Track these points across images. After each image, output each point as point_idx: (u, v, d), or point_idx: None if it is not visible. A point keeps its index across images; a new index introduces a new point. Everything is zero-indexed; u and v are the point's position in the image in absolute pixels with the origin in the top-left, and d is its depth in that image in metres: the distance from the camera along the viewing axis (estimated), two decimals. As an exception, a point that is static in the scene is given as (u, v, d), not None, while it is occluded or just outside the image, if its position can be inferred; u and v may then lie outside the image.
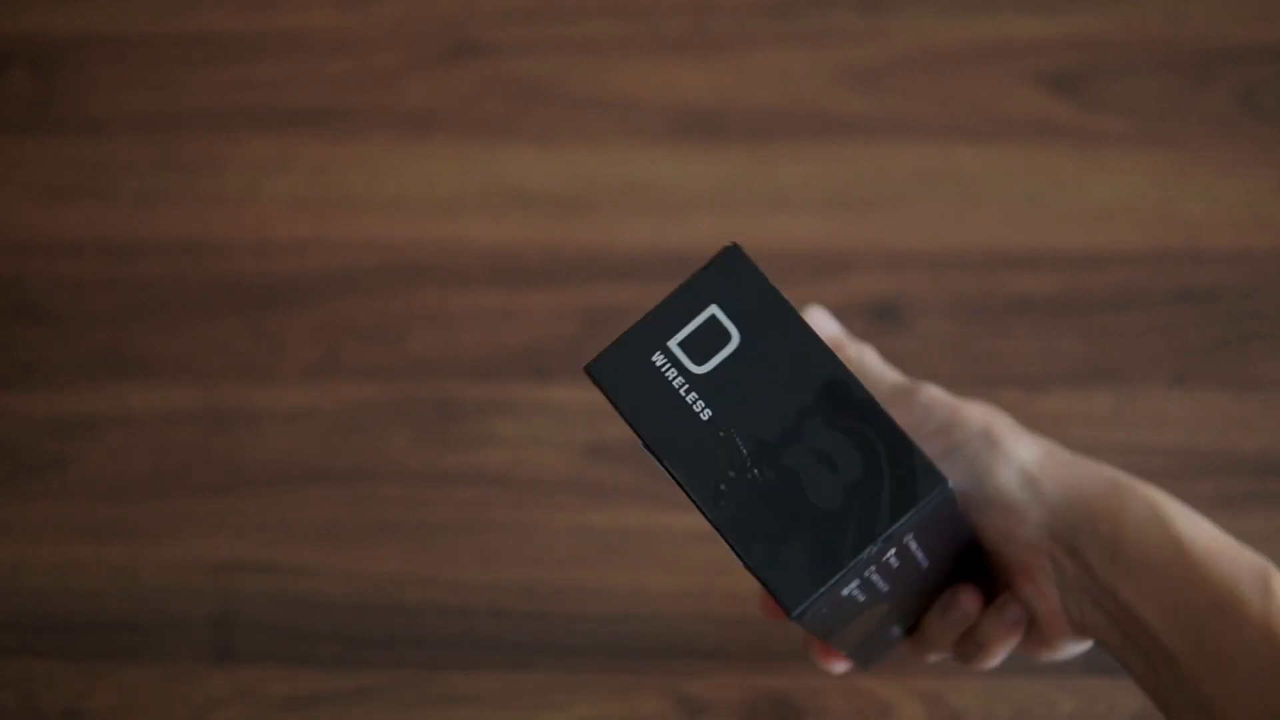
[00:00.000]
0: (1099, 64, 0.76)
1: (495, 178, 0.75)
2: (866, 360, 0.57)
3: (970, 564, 0.55)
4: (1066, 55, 0.77)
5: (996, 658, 0.57)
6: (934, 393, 0.55)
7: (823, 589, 0.42)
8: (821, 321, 0.60)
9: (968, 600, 0.56)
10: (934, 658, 0.60)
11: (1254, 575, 0.48)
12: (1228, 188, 0.74)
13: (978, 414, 0.54)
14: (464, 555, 0.69)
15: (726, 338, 0.44)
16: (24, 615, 0.68)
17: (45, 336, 0.73)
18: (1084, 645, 0.55)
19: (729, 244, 0.45)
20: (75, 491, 0.70)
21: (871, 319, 0.72)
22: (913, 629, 0.59)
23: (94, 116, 0.77)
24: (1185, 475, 0.69)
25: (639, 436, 0.43)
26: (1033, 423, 0.70)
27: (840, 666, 0.60)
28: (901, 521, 0.42)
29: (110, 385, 0.72)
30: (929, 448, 0.53)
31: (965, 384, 0.71)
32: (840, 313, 0.72)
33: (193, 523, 0.69)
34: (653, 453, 0.43)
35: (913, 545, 0.45)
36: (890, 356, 0.72)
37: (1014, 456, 0.52)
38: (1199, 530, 0.50)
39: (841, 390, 0.43)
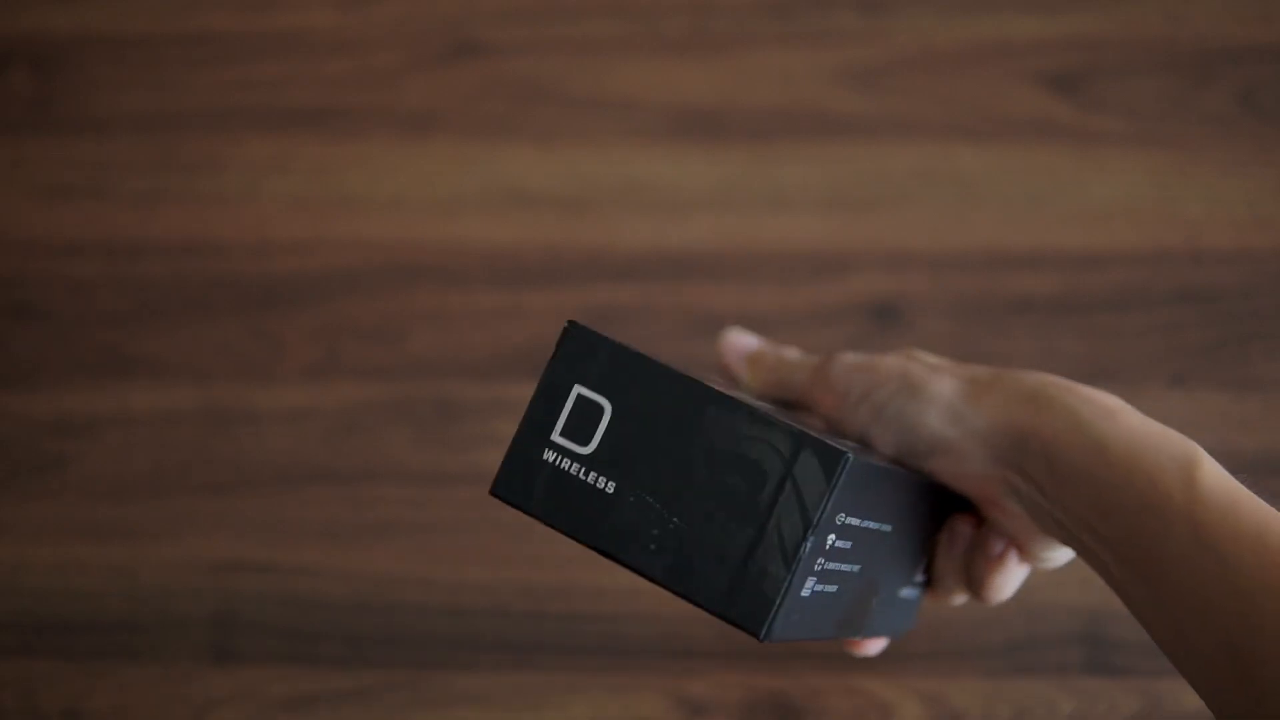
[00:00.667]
0: (1099, 64, 0.76)
1: (495, 178, 0.75)
2: (786, 358, 0.58)
3: (946, 498, 0.55)
4: (1066, 55, 0.77)
5: (1000, 589, 0.57)
6: (848, 360, 0.55)
7: (777, 603, 0.42)
8: (739, 340, 0.60)
9: (962, 524, 0.56)
10: (957, 599, 0.59)
11: (1176, 466, 0.47)
12: (1228, 188, 0.74)
13: (893, 365, 0.54)
14: (464, 555, 0.69)
15: (600, 409, 0.44)
16: (24, 615, 0.68)
17: (45, 336, 0.73)
18: (1068, 550, 0.55)
19: (567, 323, 0.45)
20: (75, 491, 0.70)
21: (871, 319, 0.72)
22: (929, 577, 0.59)
23: (94, 116, 0.77)
24: (1185, 475, 0.69)
25: (562, 532, 0.44)
26: (1033, 423, 0.70)
27: (874, 648, 0.60)
28: (820, 510, 0.42)
29: (110, 385, 0.72)
30: (858, 417, 0.53)
31: (965, 384, 0.71)
32: (840, 313, 0.72)
33: (193, 523, 0.69)
34: (580, 541, 0.44)
35: (855, 521, 0.45)
36: (890, 356, 0.72)
37: (935, 397, 0.52)
38: (1120, 428, 0.49)
39: (719, 409, 0.43)
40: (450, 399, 0.71)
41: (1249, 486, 0.70)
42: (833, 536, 0.44)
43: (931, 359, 0.55)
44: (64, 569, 0.69)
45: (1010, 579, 0.57)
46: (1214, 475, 0.48)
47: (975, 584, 0.57)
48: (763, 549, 0.42)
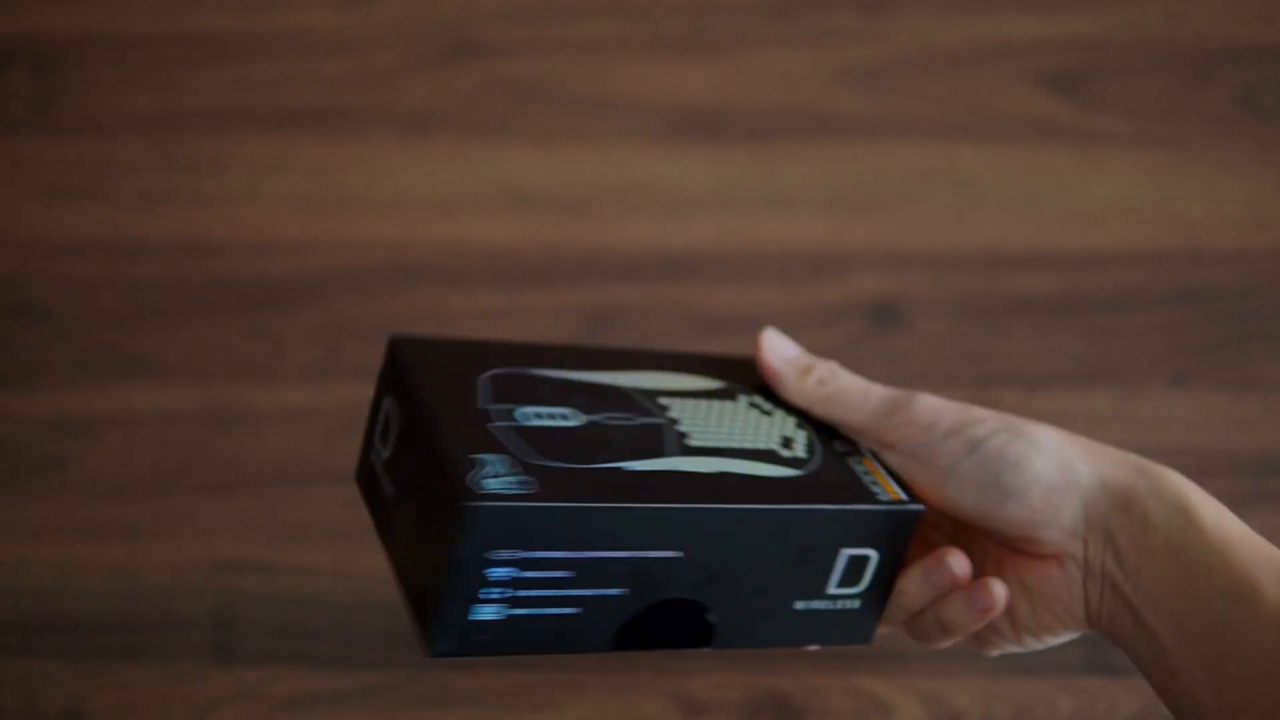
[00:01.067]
0: (1099, 64, 0.76)
1: (495, 178, 0.75)
2: (840, 379, 0.57)
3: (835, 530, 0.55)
4: (1066, 55, 0.77)
5: (949, 642, 0.56)
6: (932, 400, 0.55)
7: (434, 626, 0.47)
8: (780, 344, 0.59)
9: (955, 559, 0.55)
10: (886, 627, 0.58)
11: (1271, 564, 0.49)
12: (1227, 188, 0.74)
13: (985, 412, 0.54)
14: (464, 555, 0.69)
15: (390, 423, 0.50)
16: (25, 615, 0.68)
17: (45, 336, 0.73)
18: (1069, 638, 0.55)
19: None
20: (76, 491, 0.70)
21: (871, 319, 0.72)
22: (875, 597, 0.58)
23: (95, 116, 0.77)
24: (1185, 474, 0.69)
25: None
26: (1033, 423, 0.70)
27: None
28: (453, 554, 0.46)
29: (111, 385, 0.72)
30: (947, 449, 0.53)
31: (965, 384, 0.71)
32: (840, 313, 0.72)
33: (193, 523, 0.70)
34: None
35: (553, 555, 0.48)
36: (890, 356, 0.72)
37: (1043, 441, 0.53)
38: (1220, 517, 0.51)
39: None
40: (450, 399, 0.71)
41: (1249, 486, 0.70)
42: (506, 571, 0.48)
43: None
44: (64, 569, 0.69)
45: (962, 637, 0.57)
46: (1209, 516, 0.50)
47: (935, 628, 0.56)
48: (435, 584, 0.48)
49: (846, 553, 0.55)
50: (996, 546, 0.55)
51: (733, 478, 0.53)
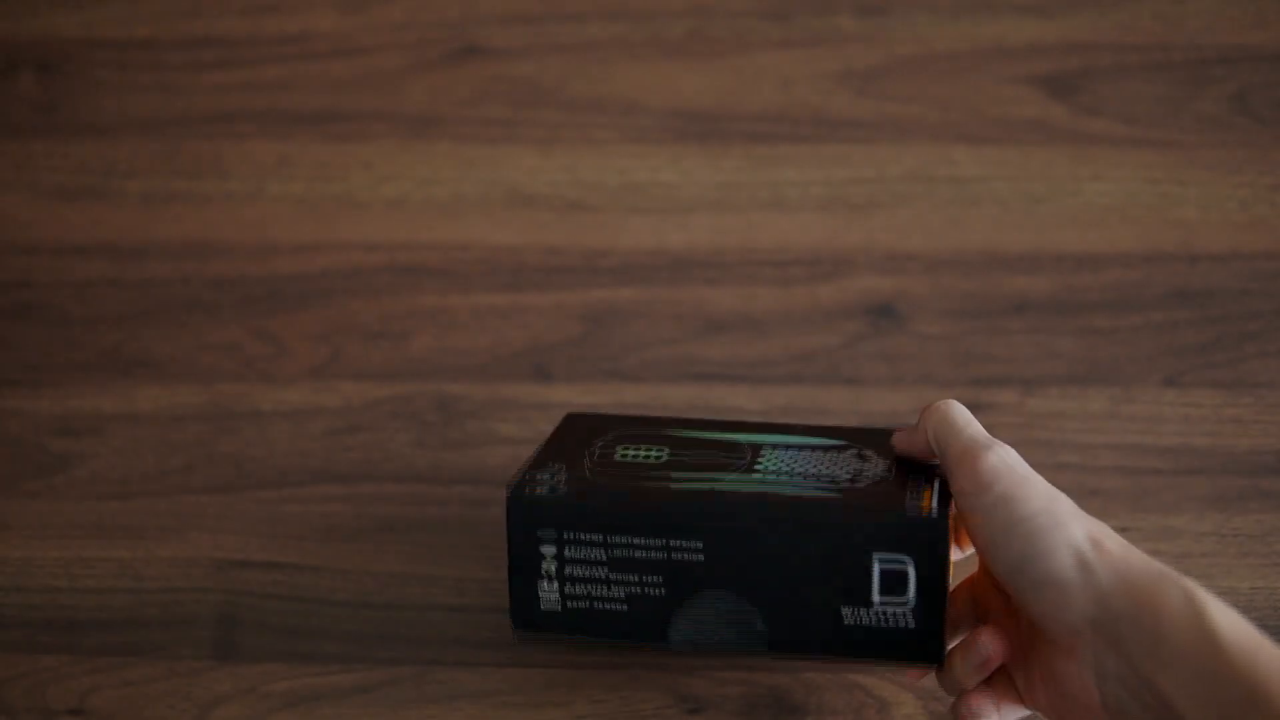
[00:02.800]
0: (1094, 68, 0.77)
1: (496, 180, 0.76)
2: (953, 411, 0.58)
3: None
4: (1062, 59, 0.77)
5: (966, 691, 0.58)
6: (1007, 459, 0.55)
7: (514, 609, 0.59)
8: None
9: (988, 643, 0.56)
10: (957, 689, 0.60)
11: None
12: (1222, 189, 0.75)
13: (1043, 490, 0.54)
14: (465, 553, 0.69)
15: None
16: (31, 612, 0.68)
17: (51, 337, 0.73)
18: None
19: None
20: (81, 490, 0.70)
21: (870, 320, 0.73)
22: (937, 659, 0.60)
23: (99, 119, 0.77)
24: (1180, 474, 0.70)
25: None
26: (1029, 422, 0.71)
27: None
28: (514, 540, 0.59)
29: (116, 385, 0.72)
30: (991, 515, 0.54)
31: (963, 384, 0.72)
32: (839, 313, 0.73)
33: (197, 521, 0.70)
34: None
35: (595, 538, 0.57)
36: (888, 357, 0.72)
37: (1073, 540, 0.53)
38: (1234, 626, 0.51)
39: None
40: (452, 399, 0.72)
41: (1242, 485, 0.70)
42: (552, 550, 0.58)
43: (1073, 503, 0.56)
44: (69, 567, 0.69)
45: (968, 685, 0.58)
46: (1227, 626, 0.50)
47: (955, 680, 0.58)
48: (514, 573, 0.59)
49: (878, 561, 0.56)
50: (1029, 624, 0.56)
51: (770, 494, 0.57)
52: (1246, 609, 0.67)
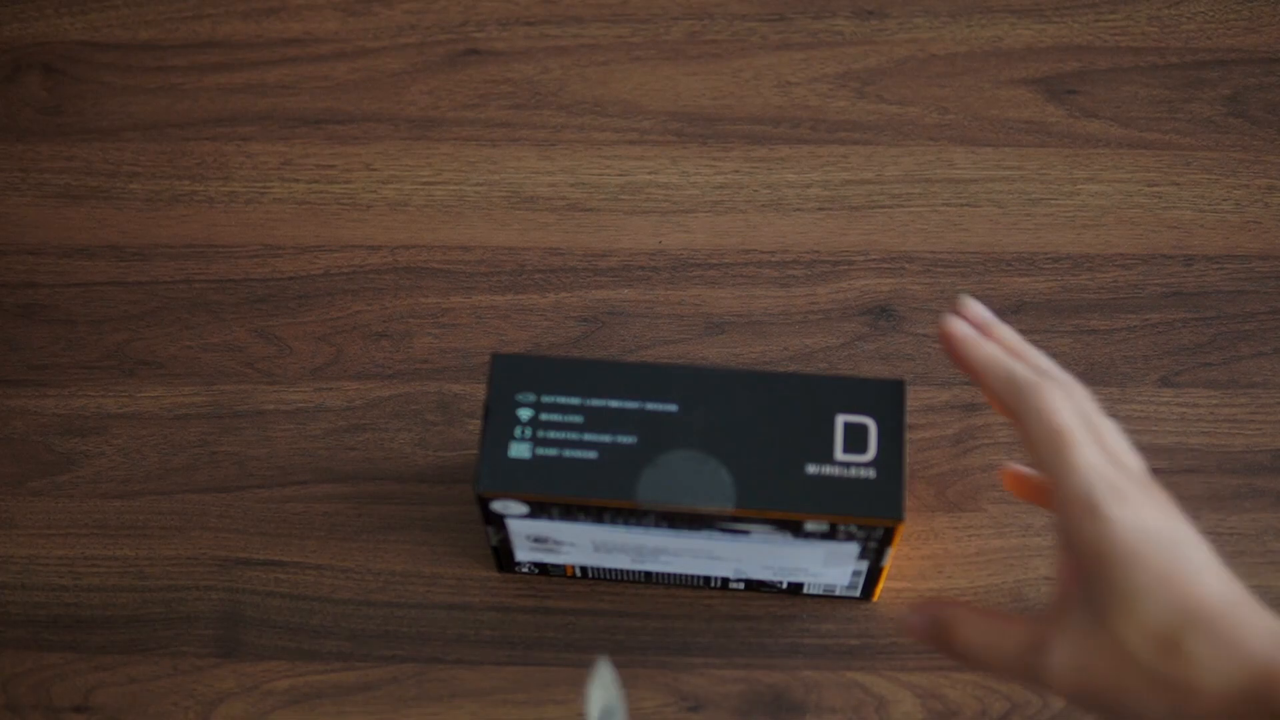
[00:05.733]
0: (1091, 70, 0.77)
1: (497, 181, 0.76)
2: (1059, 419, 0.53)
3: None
4: (1059, 61, 0.78)
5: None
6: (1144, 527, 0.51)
7: (487, 468, 0.60)
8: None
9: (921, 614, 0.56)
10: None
11: None
12: (1217, 191, 0.75)
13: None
14: (467, 552, 0.70)
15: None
16: (36, 610, 0.69)
17: (56, 337, 0.73)
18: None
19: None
20: (85, 489, 0.71)
21: (868, 320, 0.73)
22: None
23: (104, 122, 0.77)
24: (1176, 473, 0.70)
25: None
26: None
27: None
28: (490, 395, 0.61)
29: (120, 385, 0.73)
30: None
31: (961, 385, 0.72)
32: (838, 314, 0.73)
33: (200, 520, 0.70)
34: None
35: (568, 400, 0.60)
36: (887, 358, 0.72)
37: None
38: None
39: None
40: (453, 399, 0.72)
41: (1237, 485, 0.71)
42: (528, 412, 0.60)
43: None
44: (74, 565, 0.70)
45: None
46: None
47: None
48: (481, 433, 0.60)
49: (842, 419, 0.60)
50: None
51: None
52: (1241, 607, 0.68)
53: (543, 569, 0.67)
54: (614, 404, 0.60)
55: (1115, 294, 0.73)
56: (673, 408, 0.60)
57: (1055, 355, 0.72)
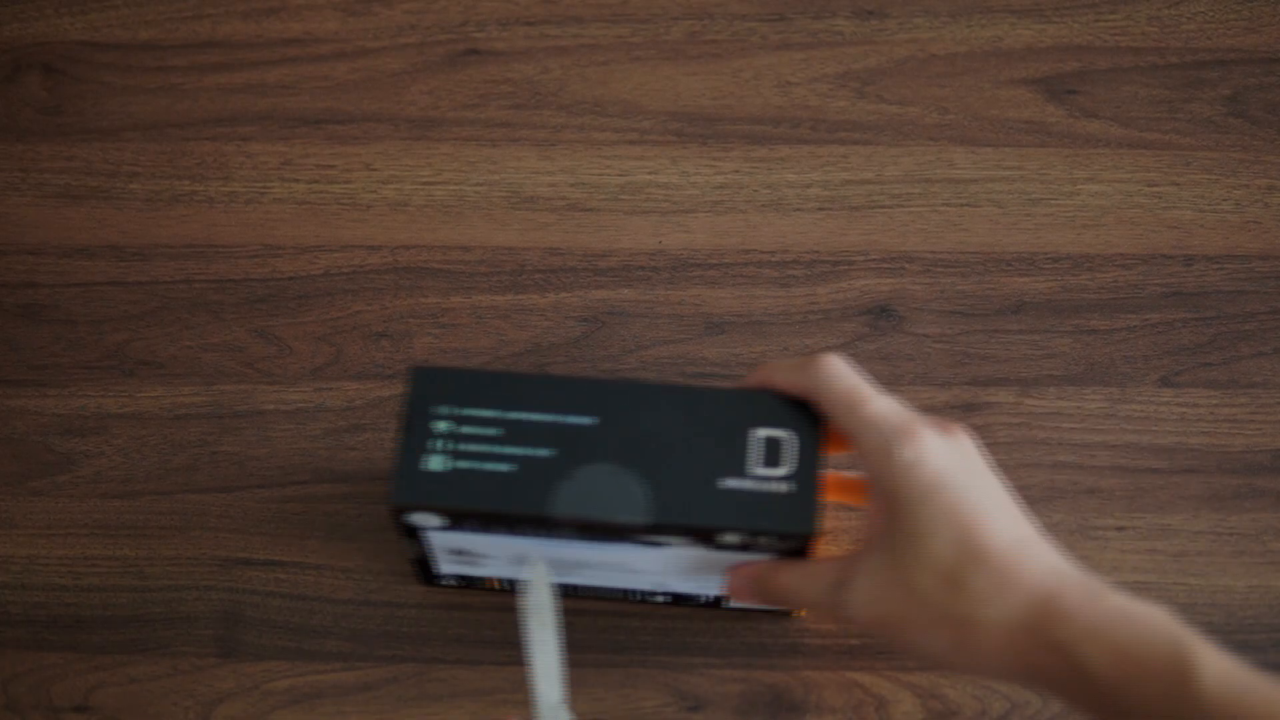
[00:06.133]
0: (1091, 70, 0.77)
1: (497, 181, 0.76)
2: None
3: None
4: (1059, 61, 0.78)
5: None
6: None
7: (402, 481, 0.60)
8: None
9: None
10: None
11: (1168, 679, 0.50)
12: (1217, 191, 0.75)
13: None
14: (467, 552, 0.70)
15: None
16: (36, 610, 0.69)
17: (56, 337, 0.74)
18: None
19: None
20: (85, 489, 0.71)
21: (868, 320, 0.73)
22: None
23: (104, 122, 0.77)
24: (1176, 473, 0.70)
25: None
26: (1027, 422, 0.71)
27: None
28: (407, 407, 0.61)
29: (120, 385, 0.73)
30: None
31: (961, 384, 0.72)
32: (838, 314, 0.73)
33: (200, 520, 0.70)
34: None
35: (487, 413, 0.60)
36: (887, 358, 0.73)
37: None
38: (1101, 654, 0.52)
39: None
40: (453, 399, 0.72)
41: (1237, 484, 0.71)
42: (445, 424, 0.60)
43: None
44: (74, 565, 0.70)
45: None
46: (1212, 677, 0.49)
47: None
48: (397, 445, 0.60)
49: (759, 433, 0.60)
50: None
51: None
52: (1242, 608, 0.68)
53: (466, 582, 0.67)
54: (532, 417, 0.60)
55: (1115, 294, 0.73)
56: (591, 421, 0.60)
57: (1055, 355, 0.72)
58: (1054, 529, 0.69)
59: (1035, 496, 0.70)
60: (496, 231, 0.75)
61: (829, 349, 0.72)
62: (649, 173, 0.76)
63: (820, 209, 0.75)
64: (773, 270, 0.74)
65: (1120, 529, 0.69)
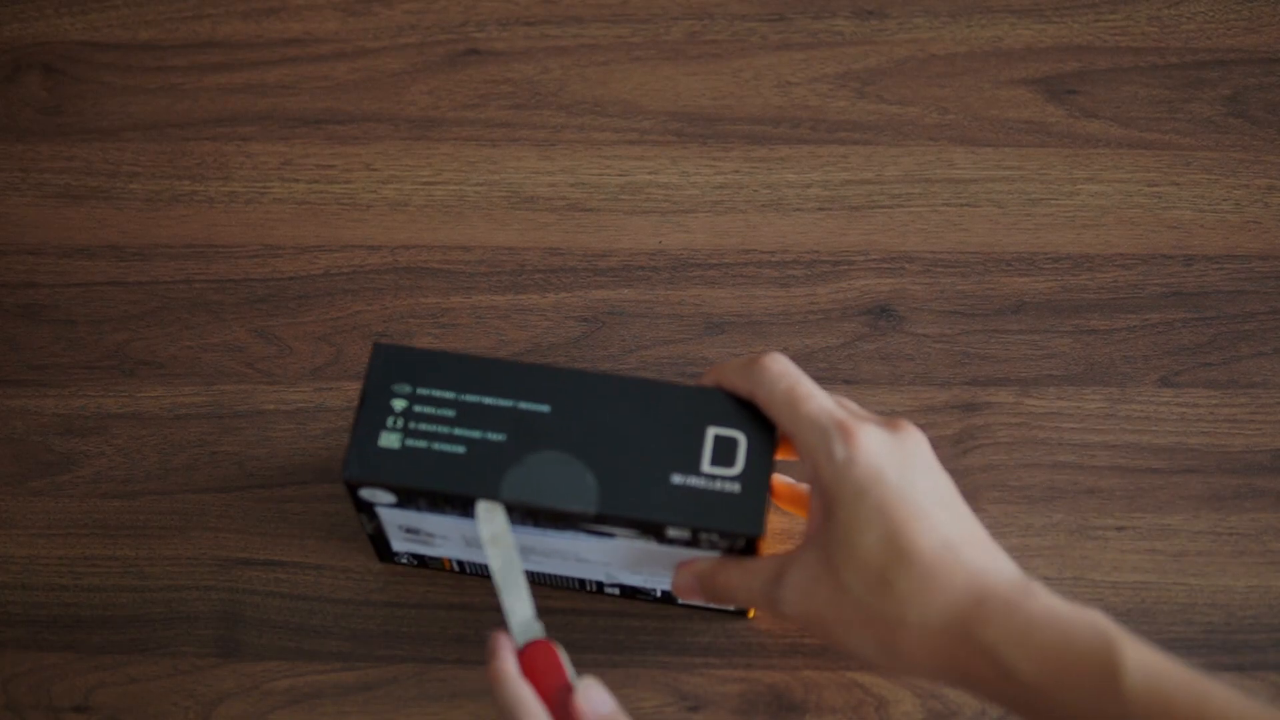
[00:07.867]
0: (1091, 70, 0.77)
1: (497, 181, 0.76)
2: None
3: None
4: (1059, 61, 0.78)
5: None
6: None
7: (356, 456, 0.60)
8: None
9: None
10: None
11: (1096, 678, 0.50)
12: (1217, 191, 0.75)
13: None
14: (467, 552, 0.70)
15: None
16: (36, 610, 0.69)
17: (56, 337, 0.74)
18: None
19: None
20: (85, 489, 0.71)
21: (868, 320, 0.73)
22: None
23: (104, 122, 0.78)
24: (1176, 473, 0.70)
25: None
26: (1027, 422, 0.71)
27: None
28: (366, 384, 0.62)
29: (120, 385, 0.73)
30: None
31: (961, 384, 0.72)
32: (838, 314, 0.73)
33: (200, 520, 0.70)
34: None
35: (443, 394, 0.61)
36: (887, 357, 0.73)
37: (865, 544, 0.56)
38: (1030, 659, 0.52)
39: None
40: (453, 399, 0.72)
41: (1237, 484, 0.71)
42: (402, 403, 0.60)
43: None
44: (74, 565, 0.70)
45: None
46: (1137, 678, 0.50)
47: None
48: (354, 422, 0.61)
49: (713, 432, 0.60)
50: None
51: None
52: (1242, 608, 0.68)
53: (420, 561, 0.67)
54: (488, 401, 0.60)
55: (1115, 294, 0.73)
56: (545, 408, 0.60)
57: (1055, 355, 0.72)
58: (1054, 529, 0.69)
59: (1035, 496, 0.70)
60: (496, 231, 0.75)
61: (829, 349, 0.73)
62: (649, 173, 0.76)
63: (820, 209, 0.75)
64: (773, 270, 0.74)
65: (1120, 529, 0.69)
